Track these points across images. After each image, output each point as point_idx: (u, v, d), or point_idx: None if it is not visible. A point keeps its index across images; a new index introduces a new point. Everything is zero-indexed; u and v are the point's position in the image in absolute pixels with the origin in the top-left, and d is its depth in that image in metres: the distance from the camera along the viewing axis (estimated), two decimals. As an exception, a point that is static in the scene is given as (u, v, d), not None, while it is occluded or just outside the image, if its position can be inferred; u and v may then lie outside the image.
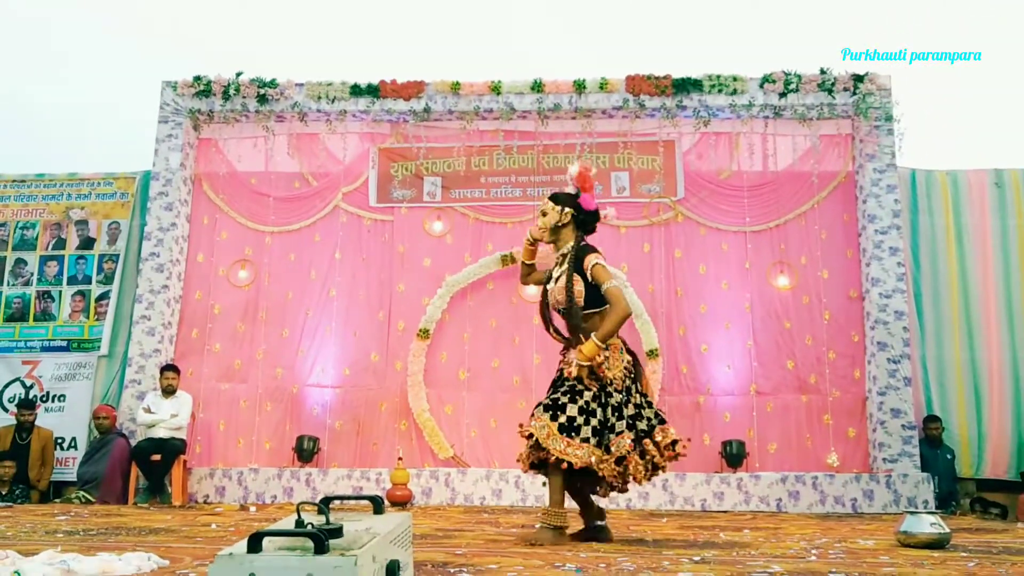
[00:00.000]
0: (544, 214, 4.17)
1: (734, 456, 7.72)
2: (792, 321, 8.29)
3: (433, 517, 5.78)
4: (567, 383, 3.92)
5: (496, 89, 8.48)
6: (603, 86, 8.42)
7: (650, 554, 3.41)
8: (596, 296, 3.93)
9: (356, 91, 8.56)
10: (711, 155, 8.67)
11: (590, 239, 4.20)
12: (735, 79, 8.38)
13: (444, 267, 8.53)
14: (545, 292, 4.16)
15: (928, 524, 3.80)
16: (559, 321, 4.13)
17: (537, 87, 8.46)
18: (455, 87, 8.52)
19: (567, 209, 4.12)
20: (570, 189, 4.26)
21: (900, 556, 3.45)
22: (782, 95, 8.33)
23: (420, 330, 8.31)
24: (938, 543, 3.75)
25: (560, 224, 4.12)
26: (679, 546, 3.78)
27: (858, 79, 8.26)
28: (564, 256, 4.07)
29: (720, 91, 8.37)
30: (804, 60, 8.46)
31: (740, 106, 8.36)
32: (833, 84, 8.28)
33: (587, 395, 3.87)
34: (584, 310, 3.94)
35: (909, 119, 8.40)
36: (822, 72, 8.33)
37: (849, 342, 8.22)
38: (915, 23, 12.98)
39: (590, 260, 3.93)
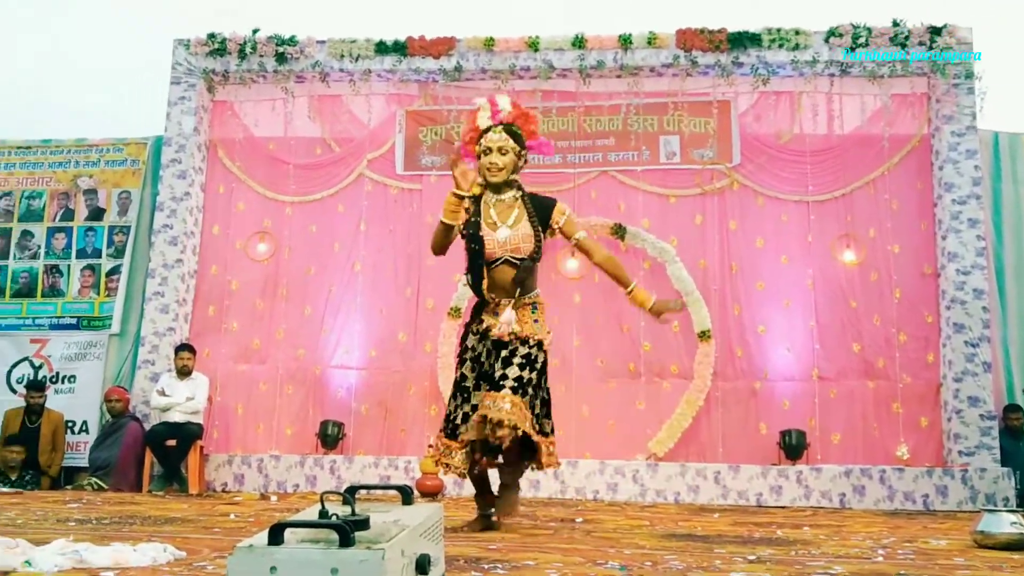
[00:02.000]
0: (503, 152, 4.07)
1: (793, 447, 7.68)
2: (859, 300, 8.20)
3: (466, 509, 5.81)
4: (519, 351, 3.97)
5: (534, 45, 8.43)
6: (651, 41, 8.34)
7: (700, 552, 3.41)
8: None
9: (382, 48, 8.56)
10: (770, 117, 8.56)
11: None
12: (797, 33, 8.25)
13: (477, 240, 8.52)
14: (478, 240, 4.03)
15: (1008, 523, 3.75)
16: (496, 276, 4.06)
17: (579, 43, 8.40)
18: (489, 43, 8.48)
19: (523, 151, 4.14)
20: (486, 121, 4.15)
21: (976, 558, 3.42)
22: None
23: (451, 308, 8.33)
24: (1019, 544, 3.70)
25: (517, 168, 4.14)
26: (732, 543, 3.77)
27: (935, 32, 8.09)
28: (510, 200, 4.09)
29: (781, 46, 8.25)
30: (875, 12, 8.31)
31: (803, 62, 8.24)
32: (907, 38, 8.13)
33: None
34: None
35: (992, 76, 8.21)
36: (895, 24, 8.18)
37: (922, 323, 8.11)
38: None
39: (563, 210, 4.10)
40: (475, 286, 4.11)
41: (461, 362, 4.16)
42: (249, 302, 8.68)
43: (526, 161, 4.17)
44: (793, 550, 3.55)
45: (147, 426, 7.82)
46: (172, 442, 7.51)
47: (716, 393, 8.05)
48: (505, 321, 3.95)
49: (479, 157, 4.15)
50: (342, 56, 8.58)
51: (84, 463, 7.99)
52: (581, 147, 8.62)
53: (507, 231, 4.03)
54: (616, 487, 7.48)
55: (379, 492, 5.87)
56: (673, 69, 8.41)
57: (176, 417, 7.65)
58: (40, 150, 9.19)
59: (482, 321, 4.11)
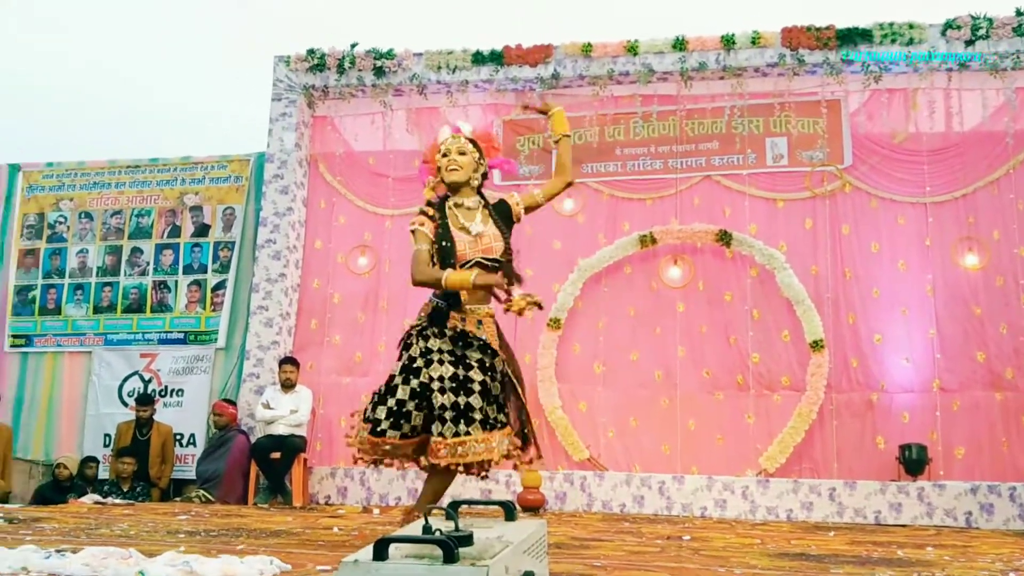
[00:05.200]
0: (462, 152, 4.24)
1: (914, 462, 7.44)
2: (983, 306, 7.89)
3: (568, 524, 5.82)
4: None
5: (632, 49, 8.41)
6: (755, 40, 8.23)
7: (815, 572, 3.34)
8: None
9: (478, 59, 8.66)
10: (883, 115, 8.33)
11: None
12: (911, 27, 8.03)
13: (576, 250, 8.53)
14: (449, 240, 4.03)
15: None
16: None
17: (679, 45, 8.34)
18: (586, 49, 8.50)
19: (482, 160, 4.31)
20: (446, 134, 4.46)
21: (1120, 583, 3.25)
22: (969, 43, 7.93)
23: (550, 319, 8.35)
24: None
25: (477, 174, 4.27)
26: (849, 563, 3.67)
27: (1064, 19, 7.79)
28: (473, 205, 4.16)
29: (894, 41, 8.05)
30: (995, 0, 8.04)
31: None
32: (1032, 26, 7.84)
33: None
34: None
35: None
36: (1018, 14, 7.89)
37: (1054, 330, 7.77)
38: None
39: (514, 197, 4.29)
40: (449, 292, 4.08)
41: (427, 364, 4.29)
42: (351, 315, 8.86)
43: (486, 176, 4.30)
44: (915, 571, 3.44)
45: (252, 439, 8.06)
46: (276, 455, 7.72)
47: (830, 406, 7.86)
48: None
49: (439, 170, 4.32)
50: (439, 68, 8.71)
51: (192, 475, 8.29)
52: (683, 152, 8.55)
53: (479, 229, 4.06)
54: (725, 504, 7.37)
55: (481, 507, 5.92)
56: (779, 69, 8.27)
57: (280, 430, 7.86)
58: (148, 168, 9.61)
59: (446, 326, 4.22)
